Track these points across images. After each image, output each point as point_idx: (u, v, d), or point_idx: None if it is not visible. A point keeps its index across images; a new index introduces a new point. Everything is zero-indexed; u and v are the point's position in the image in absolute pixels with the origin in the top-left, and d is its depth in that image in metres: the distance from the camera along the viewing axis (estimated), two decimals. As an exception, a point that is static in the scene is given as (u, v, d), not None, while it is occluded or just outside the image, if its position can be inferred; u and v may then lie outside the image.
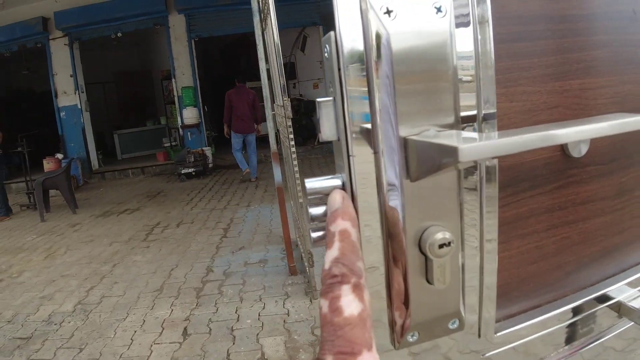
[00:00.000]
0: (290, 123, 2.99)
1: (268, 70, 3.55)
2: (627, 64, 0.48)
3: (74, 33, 9.20)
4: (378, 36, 0.27)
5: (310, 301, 3.01)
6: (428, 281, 0.31)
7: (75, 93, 9.45)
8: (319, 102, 0.29)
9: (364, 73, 0.28)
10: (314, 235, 0.30)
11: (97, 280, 3.80)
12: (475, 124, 0.32)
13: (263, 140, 10.67)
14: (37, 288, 3.74)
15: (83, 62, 9.68)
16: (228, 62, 12.56)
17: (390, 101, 0.28)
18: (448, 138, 0.25)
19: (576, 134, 0.23)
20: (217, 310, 3.04)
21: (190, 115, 9.65)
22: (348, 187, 0.30)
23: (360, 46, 0.28)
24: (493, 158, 0.26)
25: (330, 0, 0.28)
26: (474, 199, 0.33)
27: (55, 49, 9.27)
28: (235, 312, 2.97)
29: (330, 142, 0.31)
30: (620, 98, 0.47)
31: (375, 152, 0.29)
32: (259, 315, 2.90)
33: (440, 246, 0.30)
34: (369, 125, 0.29)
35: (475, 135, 0.30)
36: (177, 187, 8.02)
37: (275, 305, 3.02)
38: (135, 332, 2.85)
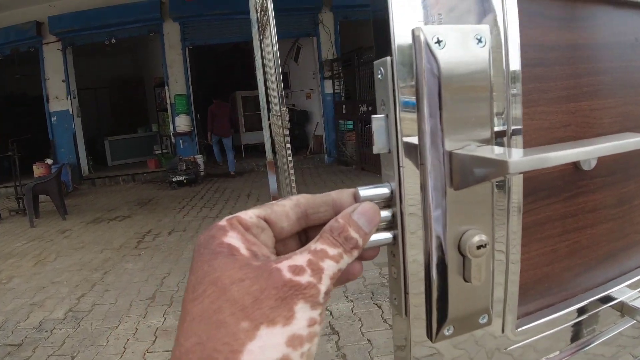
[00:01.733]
0: (287, 133, 3.03)
1: (265, 80, 3.60)
2: (629, 87, 0.53)
3: (68, 38, 9.19)
4: (429, 62, 0.31)
5: (304, 310, 3.03)
6: (465, 279, 0.35)
7: (67, 98, 9.41)
8: (373, 118, 0.33)
9: (415, 94, 0.32)
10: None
11: (88, 287, 3.77)
12: (504, 138, 0.36)
13: (255, 149, 10.74)
14: (27, 294, 3.70)
15: (76, 68, 9.65)
16: (222, 71, 12.61)
17: (438, 119, 0.32)
18: (491, 152, 0.29)
19: (597, 151, 0.28)
20: (211, 318, 3.03)
21: (182, 122, 9.66)
22: (397, 194, 0.34)
23: (411, 70, 0.32)
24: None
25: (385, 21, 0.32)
26: (503, 206, 0.37)
27: (49, 53, 9.24)
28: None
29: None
30: (622, 118, 0.52)
31: (422, 164, 0.33)
32: (253, 324, 2.91)
33: (478, 247, 0.34)
34: (416, 140, 0.33)
35: (504, 150, 0.34)
36: (169, 195, 7.99)
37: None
38: (127, 340, 2.83)
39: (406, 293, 0.36)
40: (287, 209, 0.31)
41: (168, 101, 9.80)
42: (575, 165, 0.46)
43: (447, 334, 0.37)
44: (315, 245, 0.28)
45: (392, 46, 0.31)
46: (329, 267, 0.27)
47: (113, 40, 9.22)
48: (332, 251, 0.28)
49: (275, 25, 2.92)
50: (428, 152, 0.32)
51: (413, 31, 0.31)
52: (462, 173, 0.31)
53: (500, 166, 0.26)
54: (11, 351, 2.78)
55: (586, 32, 0.46)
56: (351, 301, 3.13)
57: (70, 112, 9.50)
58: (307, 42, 10.32)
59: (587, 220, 0.50)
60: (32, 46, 9.16)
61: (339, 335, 2.69)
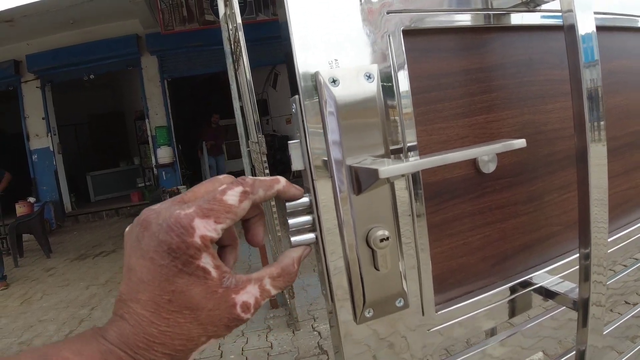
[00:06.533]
0: (265, 159, 3.11)
1: (242, 108, 3.70)
2: (526, 99, 0.63)
3: (46, 76, 9.20)
4: (328, 97, 0.40)
5: (293, 333, 3.05)
6: (376, 268, 0.43)
7: (47, 135, 9.37)
8: (289, 143, 0.42)
9: (320, 122, 0.41)
10: (293, 239, 0.42)
11: (76, 324, 3.74)
12: (402, 154, 0.45)
13: (237, 176, 10.74)
14: (15, 334, 3.65)
15: (55, 105, 9.64)
16: (201, 100, 12.73)
17: (339, 141, 0.41)
18: (371, 163, 0.38)
19: (454, 157, 0.36)
20: (200, 346, 3.04)
21: (164, 154, 9.67)
22: (313, 203, 0.42)
23: (316, 104, 0.41)
24: (404, 175, 0.39)
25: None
26: (407, 206, 0.46)
27: (27, 91, 9.23)
28: (219, 349, 2.97)
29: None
30: (520, 126, 0.61)
31: (331, 177, 0.42)
32: (242, 350, 2.92)
33: (381, 240, 0.42)
34: (325, 158, 0.42)
35: (399, 161, 0.43)
36: (154, 226, 7.93)
37: (258, 339, 3.05)
38: (117, 374, 2.81)
39: (330, 283, 0.44)
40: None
41: (149, 133, 9.84)
42: (477, 170, 0.55)
43: (368, 315, 0.45)
44: (266, 283, 0.37)
45: (299, 87, 0.40)
46: (265, 298, 0.37)
47: (92, 76, 9.26)
48: (274, 292, 0.37)
49: (250, 54, 3.03)
50: (334, 166, 0.41)
51: (314, 74, 0.40)
52: (359, 181, 0.40)
53: (374, 174, 0.35)
54: (-2, 395, 2.74)
55: (478, 58, 0.56)
56: (339, 318, 3.17)
57: (51, 150, 9.45)
58: (284, 69, 10.51)
59: (496, 216, 0.59)
60: (11, 85, 9.15)
61: (327, 355, 2.73)
